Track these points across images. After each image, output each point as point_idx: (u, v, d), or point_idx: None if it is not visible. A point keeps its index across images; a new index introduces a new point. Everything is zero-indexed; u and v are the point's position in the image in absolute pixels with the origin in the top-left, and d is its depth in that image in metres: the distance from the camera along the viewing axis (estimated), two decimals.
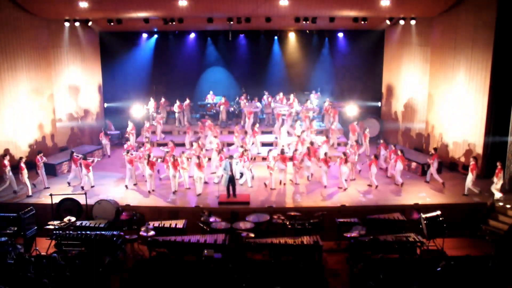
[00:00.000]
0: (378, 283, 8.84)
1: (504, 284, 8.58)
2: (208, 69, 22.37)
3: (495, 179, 13.68)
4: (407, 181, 15.52)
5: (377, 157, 15.16)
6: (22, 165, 14.27)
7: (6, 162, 14.34)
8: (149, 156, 14.80)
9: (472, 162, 14.01)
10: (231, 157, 14.30)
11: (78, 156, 15.40)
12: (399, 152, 15.11)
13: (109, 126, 19.21)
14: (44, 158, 15.15)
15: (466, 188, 14.11)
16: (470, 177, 13.99)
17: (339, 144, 18.34)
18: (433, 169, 14.98)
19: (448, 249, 12.03)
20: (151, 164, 14.55)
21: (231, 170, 13.86)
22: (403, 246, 11.44)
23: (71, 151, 16.04)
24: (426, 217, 12.23)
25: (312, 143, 16.08)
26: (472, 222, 13.24)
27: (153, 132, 19.10)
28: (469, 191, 14.11)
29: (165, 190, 14.87)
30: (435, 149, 15.44)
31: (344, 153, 14.94)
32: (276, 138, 18.16)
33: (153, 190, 14.74)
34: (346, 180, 14.86)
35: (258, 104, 19.52)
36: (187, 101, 19.80)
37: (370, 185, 15.00)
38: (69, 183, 15.28)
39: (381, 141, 16.83)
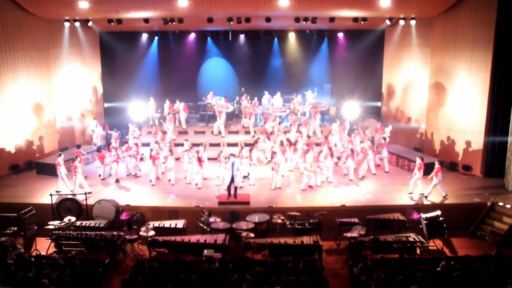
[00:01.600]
0: (378, 283, 8.84)
1: (504, 284, 8.57)
2: (208, 69, 22.35)
3: (434, 178, 13.73)
4: (407, 181, 15.51)
5: (353, 150, 15.72)
6: (77, 164, 14.38)
7: (60, 161, 14.51)
8: (151, 151, 15.49)
9: (418, 161, 14.14)
10: (233, 155, 14.25)
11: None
12: (369, 143, 16.38)
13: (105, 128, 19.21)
14: (84, 153, 16.18)
15: (411, 187, 14.30)
16: (417, 176, 14.10)
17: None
18: (383, 157, 16.23)
19: (448, 249, 12.04)
20: (153, 159, 15.23)
21: (232, 170, 13.83)
22: (403, 246, 11.46)
23: (98, 147, 16.59)
24: (426, 217, 12.25)
25: (288, 140, 16.47)
26: (472, 222, 13.25)
27: (149, 133, 19.15)
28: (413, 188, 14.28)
29: (165, 190, 14.87)
30: (384, 138, 16.46)
31: (329, 148, 15.61)
32: (253, 136, 18.55)
33: (152, 185, 15.19)
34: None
35: (229, 105, 19.50)
36: (181, 103, 19.61)
37: (346, 174, 15.69)
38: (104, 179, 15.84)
39: (354, 134, 17.09)
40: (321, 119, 20.60)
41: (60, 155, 14.83)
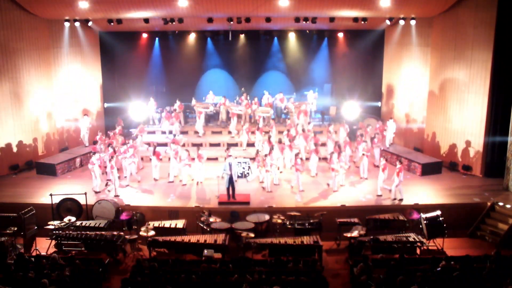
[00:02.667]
0: (378, 283, 8.84)
1: (504, 284, 8.57)
2: (208, 69, 22.35)
3: (395, 179, 13.71)
4: (407, 181, 15.53)
5: (340, 147, 15.96)
6: (113, 163, 14.43)
7: (94, 160, 14.56)
8: (155, 147, 15.79)
9: (383, 161, 14.31)
10: (230, 157, 14.26)
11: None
12: (347, 139, 16.98)
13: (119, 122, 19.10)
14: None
15: (378, 187, 14.28)
16: (382, 177, 14.13)
17: None
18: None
19: (448, 249, 12.05)
20: (157, 155, 15.50)
21: (231, 171, 13.82)
22: (403, 246, 11.46)
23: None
24: (426, 217, 12.25)
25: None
26: (472, 222, 13.25)
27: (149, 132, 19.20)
28: (382, 190, 14.23)
29: (165, 190, 14.86)
30: (361, 135, 16.99)
31: (315, 144, 16.14)
32: (233, 136, 18.74)
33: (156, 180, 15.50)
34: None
35: (207, 104, 19.47)
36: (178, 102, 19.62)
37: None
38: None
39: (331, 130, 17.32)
40: (321, 119, 20.64)
41: (94, 153, 14.85)
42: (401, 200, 13.74)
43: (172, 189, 14.93)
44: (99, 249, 11.59)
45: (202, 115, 19.02)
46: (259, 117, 18.84)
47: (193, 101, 19.40)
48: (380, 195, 14.14)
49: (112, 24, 17.47)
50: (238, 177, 15.17)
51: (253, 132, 17.83)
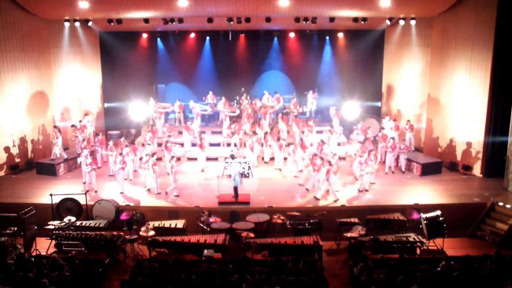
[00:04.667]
0: (378, 283, 8.84)
1: (504, 284, 8.57)
2: (207, 69, 22.34)
3: (325, 182, 13.76)
4: (407, 181, 15.53)
5: (323, 142, 16.19)
6: (173, 163, 14.54)
7: (155, 161, 14.62)
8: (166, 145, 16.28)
9: (319, 162, 14.25)
10: (232, 157, 14.23)
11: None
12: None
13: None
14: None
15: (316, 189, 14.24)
16: (317, 177, 14.15)
17: None
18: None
19: (448, 249, 12.05)
20: (169, 150, 15.99)
21: (233, 172, 13.80)
22: (403, 246, 11.46)
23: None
24: (426, 217, 12.25)
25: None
26: (472, 222, 13.25)
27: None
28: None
29: (165, 190, 14.83)
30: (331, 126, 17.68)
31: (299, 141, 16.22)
32: (195, 136, 18.49)
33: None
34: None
35: (167, 105, 19.48)
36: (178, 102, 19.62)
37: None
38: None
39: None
40: (321, 119, 20.66)
41: (153, 155, 14.82)
42: (317, 199, 13.78)
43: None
44: (99, 249, 11.58)
45: (163, 116, 19.06)
46: (226, 116, 18.80)
47: (152, 102, 19.33)
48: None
49: (112, 24, 17.48)
50: (245, 176, 15.26)
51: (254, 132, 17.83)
